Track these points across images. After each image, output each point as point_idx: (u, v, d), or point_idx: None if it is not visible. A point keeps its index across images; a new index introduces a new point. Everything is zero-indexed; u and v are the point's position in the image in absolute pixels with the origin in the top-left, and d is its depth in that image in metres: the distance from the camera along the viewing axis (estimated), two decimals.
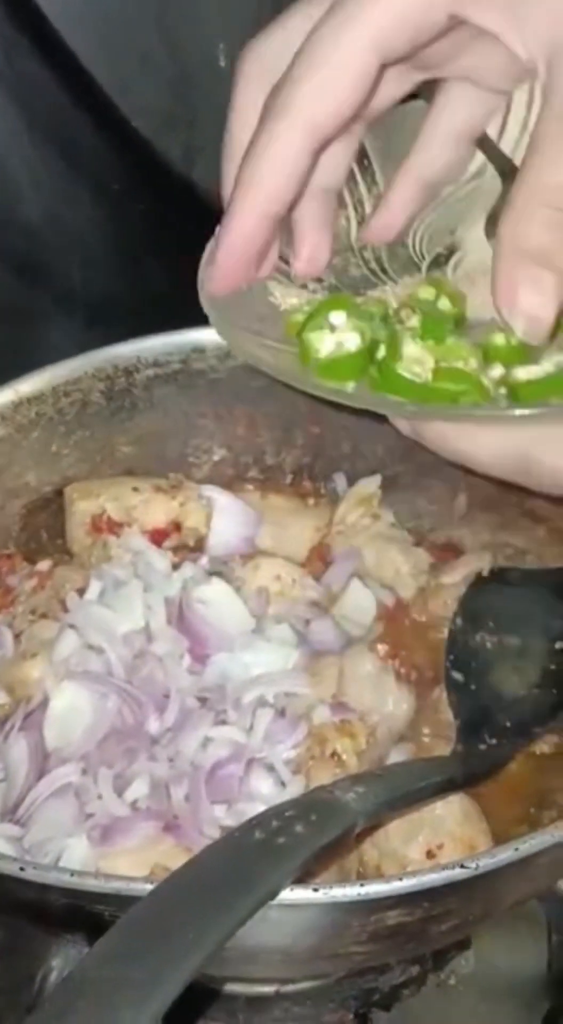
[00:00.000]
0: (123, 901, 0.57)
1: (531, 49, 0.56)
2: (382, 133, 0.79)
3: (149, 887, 0.56)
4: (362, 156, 0.79)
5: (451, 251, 0.72)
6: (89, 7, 1.13)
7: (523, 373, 0.59)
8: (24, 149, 1.19)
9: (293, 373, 0.63)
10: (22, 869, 0.58)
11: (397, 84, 0.65)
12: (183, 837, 0.75)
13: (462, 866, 0.56)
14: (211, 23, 1.18)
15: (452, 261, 0.72)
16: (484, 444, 0.57)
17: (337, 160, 0.67)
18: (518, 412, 0.56)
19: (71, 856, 0.73)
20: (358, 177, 0.78)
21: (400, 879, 0.56)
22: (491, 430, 0.57)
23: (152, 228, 1.27)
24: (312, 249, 0.68)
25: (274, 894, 0.54)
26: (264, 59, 0.63)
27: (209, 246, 0.66)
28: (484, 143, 0.73)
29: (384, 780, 0.64)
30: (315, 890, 0.56)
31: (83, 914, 0.63)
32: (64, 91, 1.16)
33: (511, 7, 0.55)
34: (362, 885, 0.56)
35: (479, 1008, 0.84)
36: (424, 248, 0.73)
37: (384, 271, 0.72)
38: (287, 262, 0.70)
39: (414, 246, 0.74)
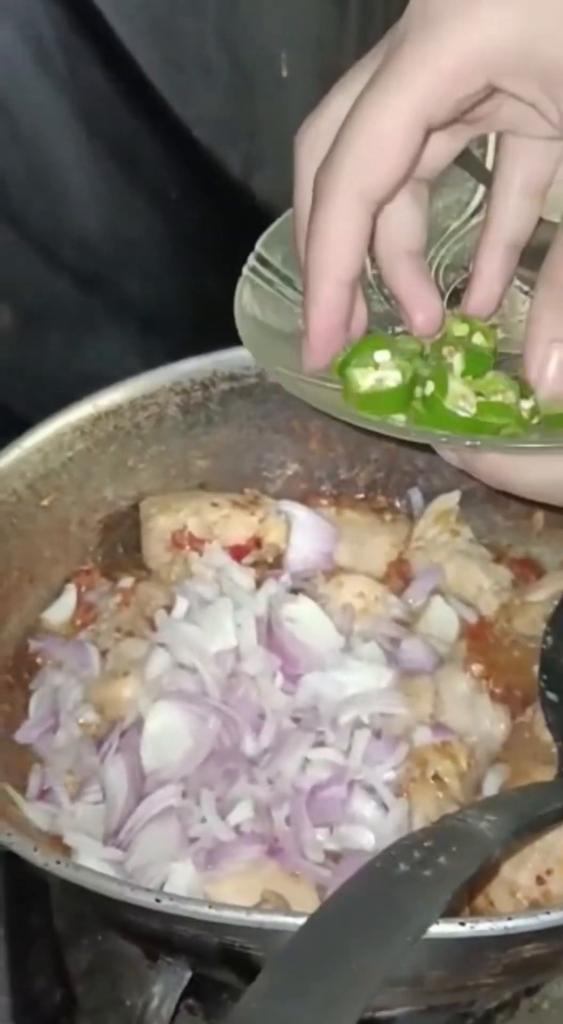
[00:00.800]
0: (265, 935, 0.56)
1: None
2: None
3: (295, 921, 0.55)
4: None
5: (465, 284, 0.74)
6: (152, 17, 1.12)
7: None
8: (83, 158, 1.18)
9: (336, 406, 0.65)
10: (158, 900, 0.57)
11: (450, 141, 0.66)
12: (286, 861, 0.74)
13: None
14: (273, 33, 1.17)
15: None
16: (532, 472, 0.61)
17: (403, 216, 0.67)
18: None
19: (176, 881, 0.72)
20: None
21: (547, 913, 0.55)
22: (537, 459, 0.61)
23: (210, 238, 1.26)
24: (425, 311, 0.68)
25: (426, 928, 0.53)
26: (315, 138, 0.64)
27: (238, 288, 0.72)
28: (477, 169, 0.75)
29: (510, 807, 0.63)
30: (461, 924, 0.55)
31: (206, 944, 0.62)
32: (125, 100, 1.15)
33: (546, 79, 0.56)
34: (509, 919, 0.55)
35: None
36: (441, 283, 0.75)
37: None
38: None
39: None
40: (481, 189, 0.76)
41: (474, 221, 0.77)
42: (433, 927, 0.55)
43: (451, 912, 0.56)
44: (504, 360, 0.69)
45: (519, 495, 0.63)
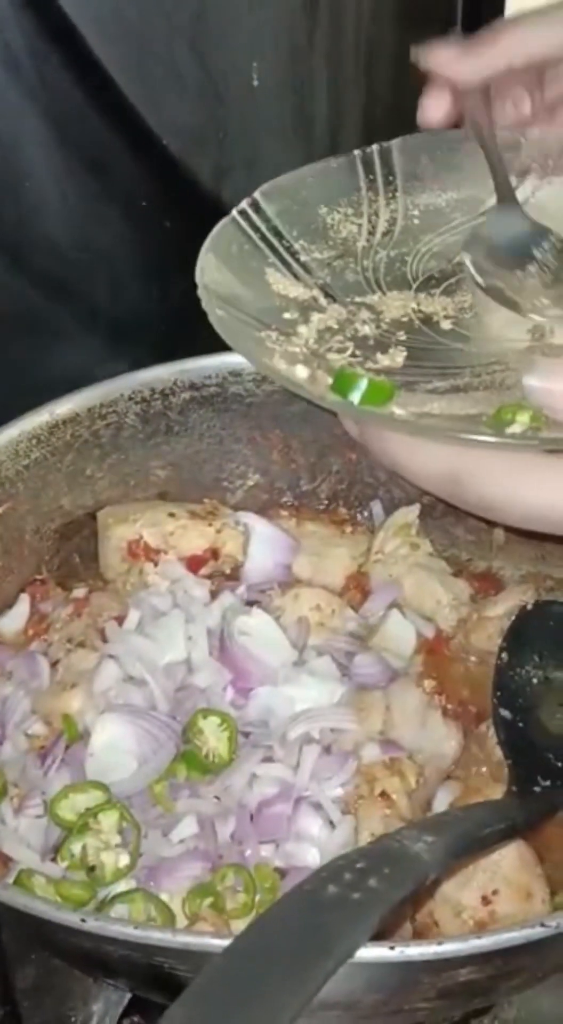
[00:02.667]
0: (192, 956, 0.55)
1: None
2: (413, 155, 0.81)
3: (220, 943, 0.54)
4: (388, 172, 0.80)
5: (442, 275, 0.76)
6: (122, 23, 1.11)
7: None
8: (53, 164, 1.17)
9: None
10: (83, 920, 0.56)
11: None
12: None
13: (542, 924, 0.54)
14: (244, 42, 1.16)
15: (443, 286, 0.76)
16: (419, 458, 0.61)
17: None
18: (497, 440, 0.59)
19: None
20: (380, 190, 0.80)
21: (479, 937, 0.54)
22: (425, 446, 0.61)
23: (180, 246, 1.24)
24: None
25: (352, 953, 0.52)
26: None
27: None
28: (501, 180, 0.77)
29: (451, 828, 0.62)
30: (391, 948, 0.54)
31: (136, 964, 0.61)
32: (95, 108, 1.14)
33: None
34: (439, 944, 0.54)
35: None
36: (420, 269, 0.77)
37: (378, 283, 0.77)
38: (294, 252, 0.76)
39: (412, 265, 0.78)
40: (494, 198, 0.79)
41: (477, 221, 0.80)
42: (363, 951, 0.54)
43: (387, 933, 0.55)
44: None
45: (410, 481, 0.64)
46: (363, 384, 0.63)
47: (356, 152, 0.83)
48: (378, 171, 0.82)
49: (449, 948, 0.54)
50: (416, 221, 0.81)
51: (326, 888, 0.54)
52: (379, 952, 0.54)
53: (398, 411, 0.62)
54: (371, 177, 0.82)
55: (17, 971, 0.88)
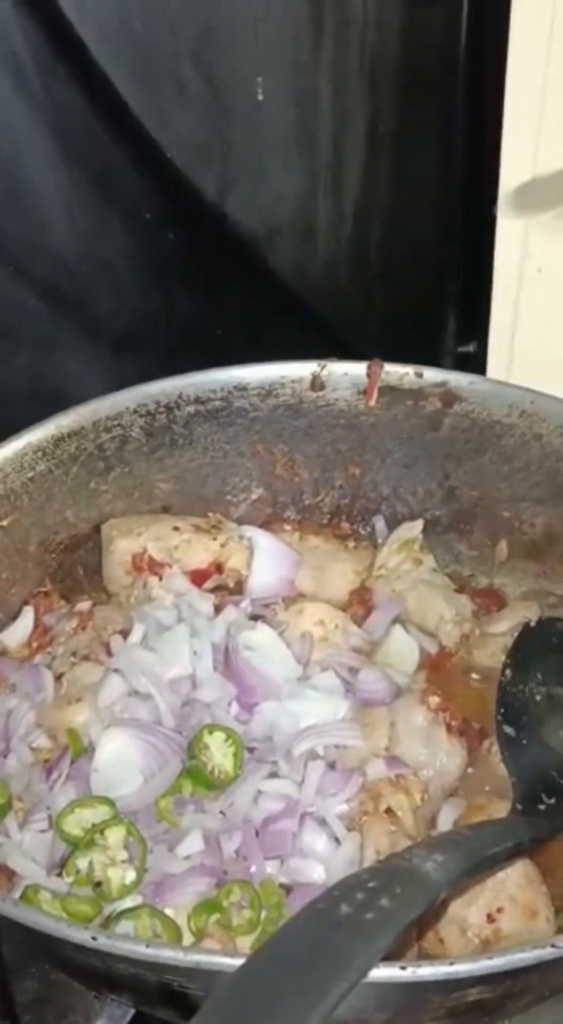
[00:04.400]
0: (202, 975, 0.55)
1: None
2: None
3: (232, 962, 0.54)
4: None
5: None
6: (128, 38, 1.12)
7: None
8: (58, 177, 1.17)
9: None
10: (94, 938, 0.56)
11: None
12: None
13: (553, 946, 0.55)
14: (249, 57, 1.17)
15: None
16: None
17: None
18: None
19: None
20: None
21: (490, 958, 0.54)
22: None
23: (183, 259, 1.26)
24: None
25: (366, 973, 0.52)
26: None
27: None
28: None
29: (460, 847, 0.63)
30: (402, 968, 0.54)
31: (145, 982, 0.61)
32: (100, 120, 1.15)
33: None
34: (451, 964, 0.54)
35: None
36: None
37: None
38: None
39: None
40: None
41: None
42: (375, 971, 0.54)
43: (398, 952, 0.55)
44: None
45: None
46: None
47: None
48: None
49: (461, 968, 0.54)
50: None
51: (339, 907, 0.54)
52: (391, 972, 0.54)
53: None
54: None
55: (17, 985, 0.88)
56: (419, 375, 1.00)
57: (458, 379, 0.99)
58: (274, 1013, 0.48)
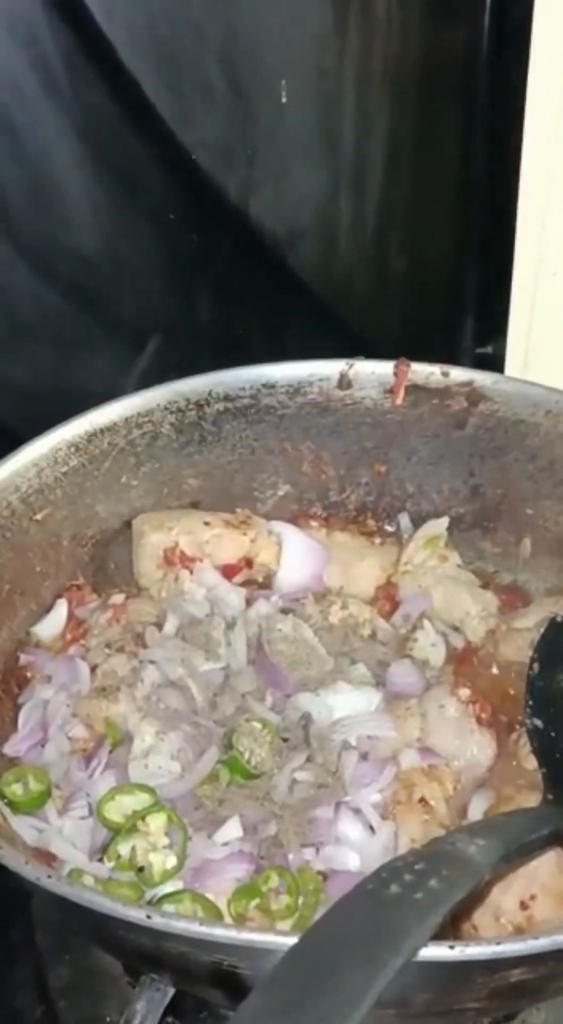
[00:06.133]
0: (254, 954, 0.56)
1: None
2: None
3: (285, 940, 0.55)
4: None
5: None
6: (156, 41, 1.13)
7: None
8: (85, 177, 1.19)
9: None
10: (148, 917, 0.58)
11: None
12: None
13: None
14: (274, 60, 1.19)
15: None
16: None
17: None
18: None
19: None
20: None
21: (536, 938, 0.56)
22: None
23: (205, 260, 1.27)
24: None
25: (416, 950, 0.53)
26: None
27: None
28: None
29: (500, 832, 0.64)
30: (451, 947, 0.56)
31: (194, 961, 0.63)
32: (127, 122, 1.16)
33: None
34: (498, 943, 0.56)
35: None
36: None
37: None
38: None
39: None
40: None
41: None
42: (423, 950, 0.56)
43: (437, 936, 0.56)
44: None
45: None
46: None
47: None
48: None
49: (508, 948, 0.56)
50: None
51: (389, 888, 0.56)
52: (439, 951, 0.56)
53: None
54: None
55: (51, 971, 0.89)
56: (445, 374, 1.02)
57: (484, 378, 1.01)
58: (334, 986, 0.49)
